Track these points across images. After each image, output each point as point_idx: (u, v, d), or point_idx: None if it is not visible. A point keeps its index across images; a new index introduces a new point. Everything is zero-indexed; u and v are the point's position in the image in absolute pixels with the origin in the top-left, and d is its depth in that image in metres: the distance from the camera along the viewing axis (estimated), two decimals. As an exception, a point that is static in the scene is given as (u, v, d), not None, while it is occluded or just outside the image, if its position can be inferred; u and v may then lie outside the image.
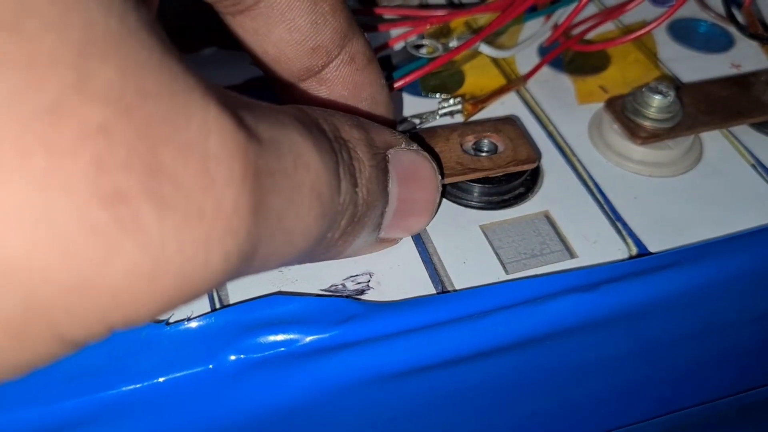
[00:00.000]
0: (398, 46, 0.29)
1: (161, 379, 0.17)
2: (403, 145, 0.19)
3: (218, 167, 0.12)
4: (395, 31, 0.29)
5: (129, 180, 0.11)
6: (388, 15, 0.30)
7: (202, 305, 0.19)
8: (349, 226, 0.17)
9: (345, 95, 0.21)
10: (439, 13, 0.29)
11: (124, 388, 0.17)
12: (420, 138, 0.23)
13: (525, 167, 0.22)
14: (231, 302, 0.19)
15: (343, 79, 0.21)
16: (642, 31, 0.27)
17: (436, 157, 0.22)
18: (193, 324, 0.18)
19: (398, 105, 0.26)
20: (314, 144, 0.15)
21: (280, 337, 0.18)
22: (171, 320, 0.18)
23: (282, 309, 0.18)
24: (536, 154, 0.23)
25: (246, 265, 0.14)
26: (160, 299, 0.12)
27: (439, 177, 0.20)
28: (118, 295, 0.11)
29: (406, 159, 0.19)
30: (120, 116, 0.11)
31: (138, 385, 0.17)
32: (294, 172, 0.14)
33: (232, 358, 0.18)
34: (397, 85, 0.25)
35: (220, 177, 0.12)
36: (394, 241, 0.21)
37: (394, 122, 0.23)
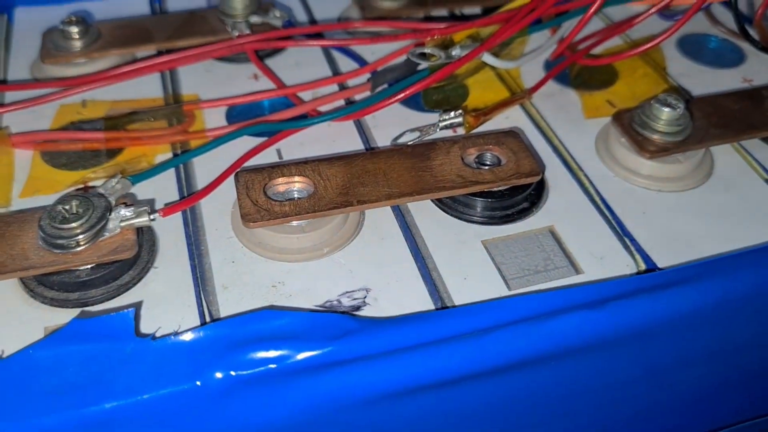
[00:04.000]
0: (401, 58, 0.28)
1: (146, 396, 0.16)
2: None
3: None
4: (398, 44, 0.29)
5: None
6: (391, 28, 0.29)
7: (191, 319, 0.18)
8: None
9: None
10: (442, 25, 0.28)
11: (106, 405, 0.16)
12: (420, 150, 0.22)
13: (528, 180, 0.22)
14: (221, 316, 0.19)
15: None
16: (650, 44, 0.26)
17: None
18: (181, 338, 0.17)
19: (398, 119, 0.26)
20: None
21: (271, 353, 0.17)
22: (157, 334, 0.17)
23: (273, 324, 0.18)
24: (540, 167, 0.22)
25: None
26: None
27: None
28: None
29: None
30: None
31: (121, 402, 0.16)
32: None
33: (220, 375, 0.17)
34: (398, 97, 0.25)
35: None
36: None
37: None
